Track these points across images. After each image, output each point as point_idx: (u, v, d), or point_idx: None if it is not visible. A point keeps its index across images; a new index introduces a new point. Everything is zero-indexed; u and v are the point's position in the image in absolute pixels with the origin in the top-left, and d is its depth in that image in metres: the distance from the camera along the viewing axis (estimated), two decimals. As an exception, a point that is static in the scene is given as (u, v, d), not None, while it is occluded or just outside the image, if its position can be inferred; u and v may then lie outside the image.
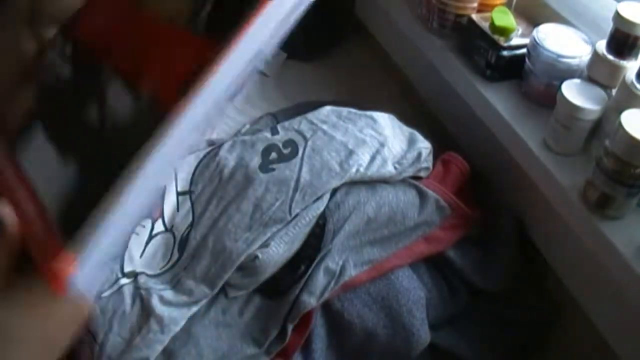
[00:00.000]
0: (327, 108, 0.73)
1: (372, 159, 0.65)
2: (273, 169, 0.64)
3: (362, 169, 0.63)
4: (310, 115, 0.72)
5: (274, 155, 0.67)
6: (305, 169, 0.63)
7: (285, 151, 0.67)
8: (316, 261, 0.60)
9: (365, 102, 0.90)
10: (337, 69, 1.00)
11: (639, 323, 0.54)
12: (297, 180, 0.63)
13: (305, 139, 0.67)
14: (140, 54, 0.34)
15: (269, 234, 0.60)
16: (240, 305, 0.62)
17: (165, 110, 0.28)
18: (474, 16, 0.72)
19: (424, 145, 0.69)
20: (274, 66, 1.00)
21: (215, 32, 0.30)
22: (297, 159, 0.65)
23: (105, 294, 0.60)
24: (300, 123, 0.70)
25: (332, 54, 1.01)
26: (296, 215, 0.61)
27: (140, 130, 0.29)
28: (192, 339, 0.58)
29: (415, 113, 0.91)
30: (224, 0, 0.34)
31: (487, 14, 0.71)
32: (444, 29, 0.76)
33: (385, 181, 0.65)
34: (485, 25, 0.70)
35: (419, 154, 0.67)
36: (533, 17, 0.72)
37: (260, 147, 0.68)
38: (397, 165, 0.66)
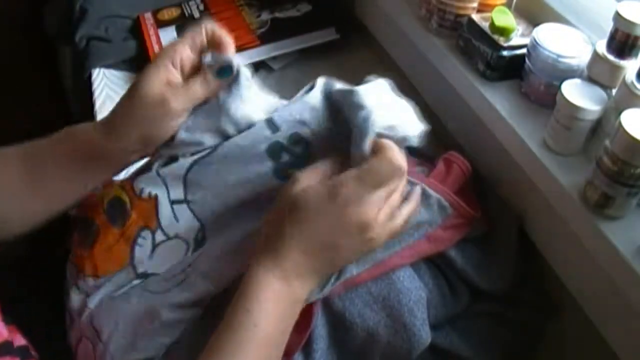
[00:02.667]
0: (318, 90, 0.67)
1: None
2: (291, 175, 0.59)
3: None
4: (306, 99, 0.65)
5: (285, 157, 0.61)
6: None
7: (297, 150, 0.61)
8: None
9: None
10: (337, 69, 1.00)
11: (638, 323, 0.54)
12: None
13: (312, 131, 0.62)
14: None
15: None
16: (240, 305, 0.62)
17: None
18: (474, 16, 0.72)
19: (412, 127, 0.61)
20: (280, 63, 1.00)
21: None
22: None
23: (117, 293, 0.60)
24: (301, 112, 0.63)
25: (333, 54, 1.01)
26: None
27: None
28: (190, 339, 0.58)
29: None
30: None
31: (487, 14, 0.71)
32: (444, 29, 0.76)
33: None
34: (485, 25, 0.70)
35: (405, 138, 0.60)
36: (533, 17, 0.72)
37: (262, 147, 0.61)
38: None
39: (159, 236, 0.63)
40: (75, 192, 0.63)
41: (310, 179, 0.54)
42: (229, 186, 0.61)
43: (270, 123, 0.62)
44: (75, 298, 0.63)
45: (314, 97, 0.65)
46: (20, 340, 0.55)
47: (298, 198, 0.53)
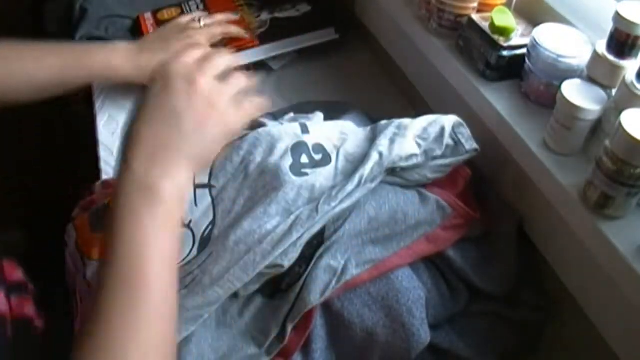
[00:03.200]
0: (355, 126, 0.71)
1: (392, 141, 0.63)
2: (306, 174, 0.62)
3: (384, 151, 0.62)
4: (340, 125, 0.70)
5: (304, 159, 0.64)
6: (340, 179, 0.62)
7: (317, 157, 0.64)
8: (316, 257, 0.60)
9: (365, 102, 0.90)
10: (337, 69, 1.00)
11: (638, 323, 0.54)
12: (332, 188, 0.61)
13: (337, 147, 0.66)
14: None
15: (295, 237, 0.58)
16: (240, 306, 0.62)
17: None
18: (474, 16, 0.72)
19: (447, 118, 0.66)
20: (280, 63, 1.00)
21: None
22: (331, 168, 0.63)
23: None
24: (331, 131, 0.69)
25: (332, 54, 1.01)
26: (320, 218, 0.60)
27: None
28: (194, 338, 0.58)
29: (415, 113, 0.91)
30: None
31: (487, 14, 0.71)
32: (444, 29, 0.76)
33: (412, 168, 0.63)
34: (485, 25, 0.70)
35: (442, 128, 0.65)
36: (533, 17, 0.72)
37: (288, 143, 0.65)
38: (418, 141, 0.64)
39: None
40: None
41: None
42: (249, 175, 0.63)
43: (304, 127, 0.68)
44: (82, 286, 0.63)
45: (350, 124, 0.71)
46: (17, 276, 0.58)
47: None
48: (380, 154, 0.62)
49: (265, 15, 1.03)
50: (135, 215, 0.48)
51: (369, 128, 0.69)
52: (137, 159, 0.50)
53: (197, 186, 0.64)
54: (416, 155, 0.63)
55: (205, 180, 0.65)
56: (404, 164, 0.63)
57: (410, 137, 0.64)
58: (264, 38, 0.98)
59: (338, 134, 0.68)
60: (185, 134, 0.52)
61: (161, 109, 0.52)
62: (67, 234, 0.68)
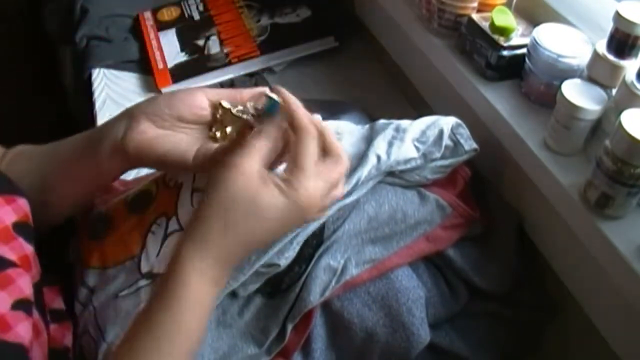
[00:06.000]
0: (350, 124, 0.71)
1: (390, 144, 0.63)
2: None
3: (382, 155, 0.62)
4: (335, 124, 0.70)
5: None
6: None
7: None
8: (315, 257, 0.60)
9: (365, 101, 0.90)
10: (337, 69, 1.01)
11: (638, 323, 0.54)
12: None
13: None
14: None
15: (290, 236, 0.58)
16: (240, 305, 0.61)
17: None
18: (474, 16, 0.72)
19: (446, 120, 0.66)
20: (282, 65, 1.00)
21: None
22: None
23: (123, 293, 0.60)
24: (338, 127, 0.68)
25: (333, 55, 1.01)
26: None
27: None
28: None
29: (415, 113, 0.92)
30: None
31: (487, 14, 0.71)
32: (444, 29, 0.76)
33: (411, 169, 0.63)
34: (485, 25, 0.70)
35: (441, 131, 0.64)
36: (533, 17, 0.72)
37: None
38: (417, 144, 0.64)
39: (173, 225, 0.62)
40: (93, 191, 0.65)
41: (251, 166, 0.48)
42: None
43: None
44: (81, 293, 0.62)
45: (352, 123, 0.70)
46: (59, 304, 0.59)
47: (239, 189, 0.47)
48: (378, 158, 0.62)
49: (265, 20, 1.02)
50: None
51: (366, 127, 0.69)
52: (217, 257, 0.47)
53: (194, 190, 0.63)
54: (415, 158, 0.63)
55: (203, 183, 0.65)
56: (402, 167, 0.63)
57: (409, 141, 0.64)
58: (264, 47, 0.98)
59: (333, 133, 0.68)
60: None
61: (251, 238, 0.48)
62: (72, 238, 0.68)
